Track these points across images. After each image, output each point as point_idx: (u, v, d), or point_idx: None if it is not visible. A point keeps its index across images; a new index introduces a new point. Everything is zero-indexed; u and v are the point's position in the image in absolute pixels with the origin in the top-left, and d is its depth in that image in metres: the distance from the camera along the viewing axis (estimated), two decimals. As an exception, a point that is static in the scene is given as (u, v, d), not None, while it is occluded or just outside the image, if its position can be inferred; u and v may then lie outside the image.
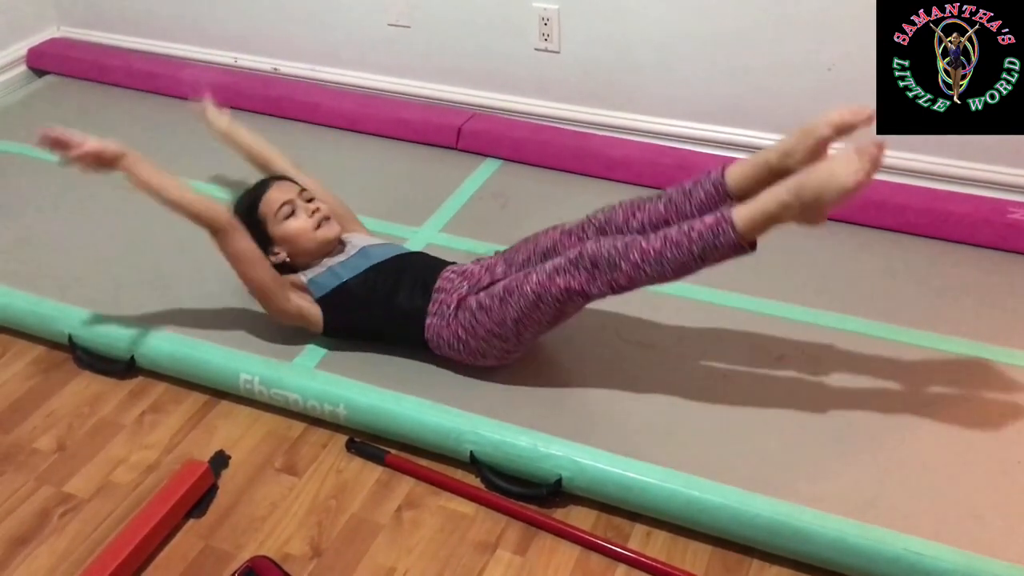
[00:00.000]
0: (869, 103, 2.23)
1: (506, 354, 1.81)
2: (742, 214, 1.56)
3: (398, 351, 1.91)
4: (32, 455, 1.85)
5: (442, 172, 2.56)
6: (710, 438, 1.72)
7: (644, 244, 1.62)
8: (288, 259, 1.94)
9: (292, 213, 1.92)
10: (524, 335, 1.76)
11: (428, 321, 1.82)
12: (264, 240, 1.90)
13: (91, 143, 1.74)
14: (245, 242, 1.82)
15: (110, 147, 1.75)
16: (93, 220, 2.41)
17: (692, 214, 1.69)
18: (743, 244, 1.57)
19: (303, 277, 1.92)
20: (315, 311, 1.90)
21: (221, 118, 2.21)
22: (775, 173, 1.63)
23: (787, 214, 1.55)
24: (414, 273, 1.88)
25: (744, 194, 1.65)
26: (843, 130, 1.59)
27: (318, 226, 1.93)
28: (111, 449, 1.85)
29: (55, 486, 1.78)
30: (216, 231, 1.80)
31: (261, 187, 1.97)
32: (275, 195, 1.94)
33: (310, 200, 1.97)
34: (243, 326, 2.00)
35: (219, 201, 1.84)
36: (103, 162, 1.75)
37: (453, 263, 1.93)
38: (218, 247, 1.82)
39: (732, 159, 2.23)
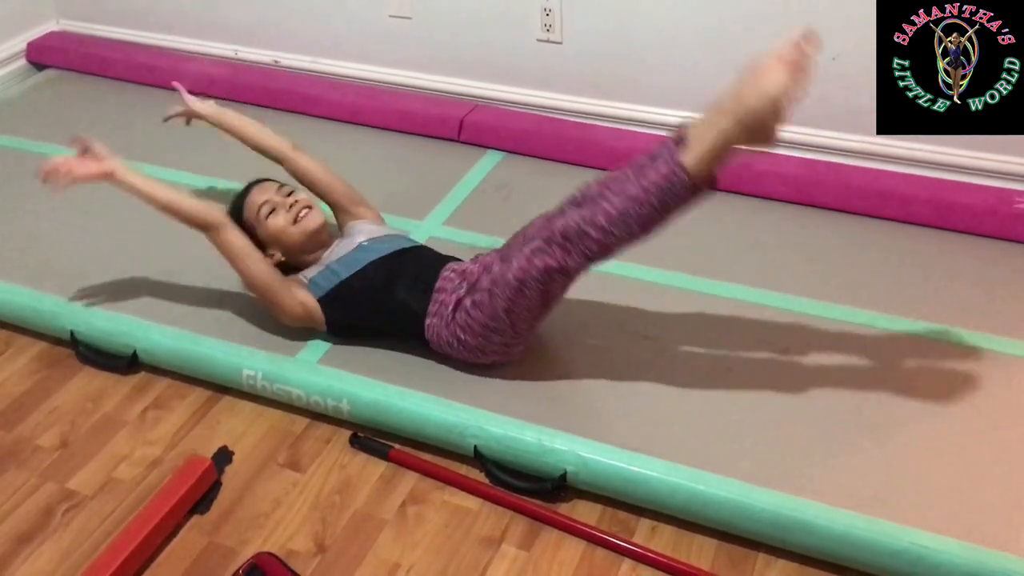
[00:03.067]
0: (872, 92, 2.23)
1: (505, 348, 1.80)
2: (690, 155, 1.53)
3: (402, 346, 1.91)
4: (35, 452, 1.85)
5: (444, 165, 2.54)
6: (715, 432, 1.71)
7: (607, 206, 1.60)
8: (284, 258, 1.94)
9: (272, 211, 1.93)
10: (518, 325, 1.75)
11: (428, 321, 1.81)
12: (259, 246, 1.92)
13: (78, 170, 1.82)
14: (239, 238, 1.84)
15: (93, 168, 1.82)
16: (94, 215, 2.40)
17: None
18: (700, 185, 1.55)
19: (303, 278, 1.92)
20: (318, 309, 1.89)
21: (203, 104, 2.21)
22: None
23: (733, 140, 1.52)
24: (414, 271, 1.87)
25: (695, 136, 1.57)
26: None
27: (296, 219, 1.93)
28: (114, 445, 1.85)
29: (58, 483, 1.78)
30: (208, 228, 1.82)
31: (242, 193, 2.00)
32: (254, 197, 1.97)
33: (289, 194, 1.97)
34: (246, 321, 1.99)
35: (211, 201, 1.87)
36: (91, 164, 1.82)
37: (453, 259, 1.91)
38: (214, 246, 1.84)
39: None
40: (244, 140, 2.18)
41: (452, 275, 1.83)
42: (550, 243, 1.64)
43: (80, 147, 1.84)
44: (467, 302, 1.76)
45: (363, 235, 1.97)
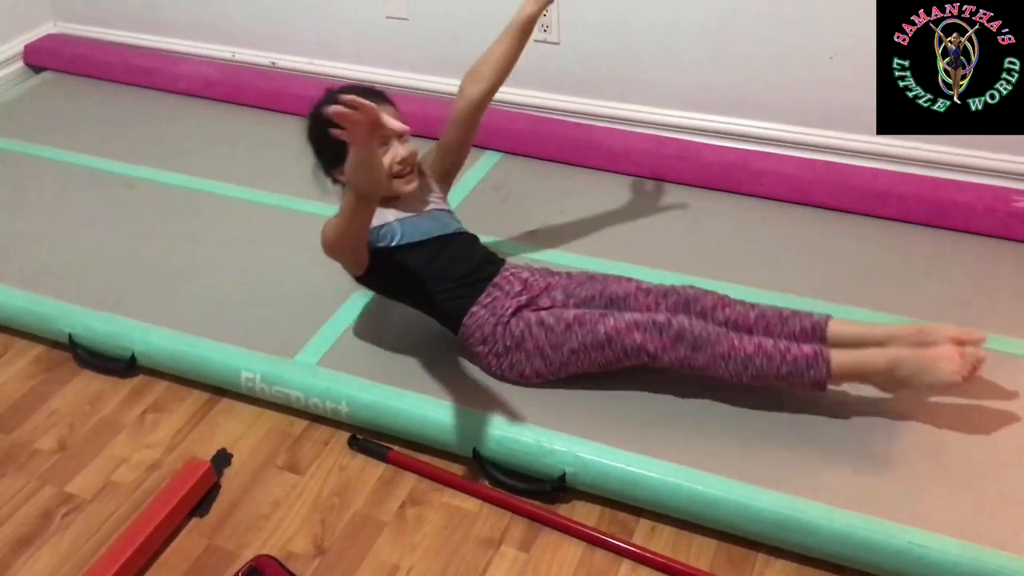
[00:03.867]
0: (870, 91, 2.23)
1: (535, 376, 1.79)
2: (839, 360, 1.64)
3: (401, 347, 1.90)
4: (33, 455, 1.84)
5: (442, 165, 2.54)
6: (714, 432, 1.71)
7: (737, 342, 1.65)
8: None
9: (381, 145, 1.74)
10: (569, 367, 1.76)
11: (475, 309, 1.79)
12: (342, 156, 1.60)
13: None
14: (331, 222, 1.69)
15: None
16: (92, 218, 2.40)
17: (780, 337, 1.70)
18: (827, 385, 1.65)
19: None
20: (365, 255, 1.75)
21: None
22: (873, 345, 1.68)
23: (876, 379, 1.65)
24: (475, 258, 1.85)
25: (837, 346, 1.68)
26: (957, 344, 1.63)
27: (393, 173, 1.78)
28: (113, 448, 1.85)
29: (57, 486, 1.78)
30: (373, 200, 1.62)
31: (369, 91, 1.77)
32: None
33: (403, 139, 1.79)
34: (244, 323, 1.99)
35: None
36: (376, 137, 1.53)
37: (506, 260, 1.89)
38: (358, 214, 1.61)
39: (752, 152, 2.23)
40: (503, 58, 1.99)
41: (512, 277, 1.82)
42: (661, 330, 1.68)
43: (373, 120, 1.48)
44: (531, 316, 1.76)
45: (435, 204, 1.90)
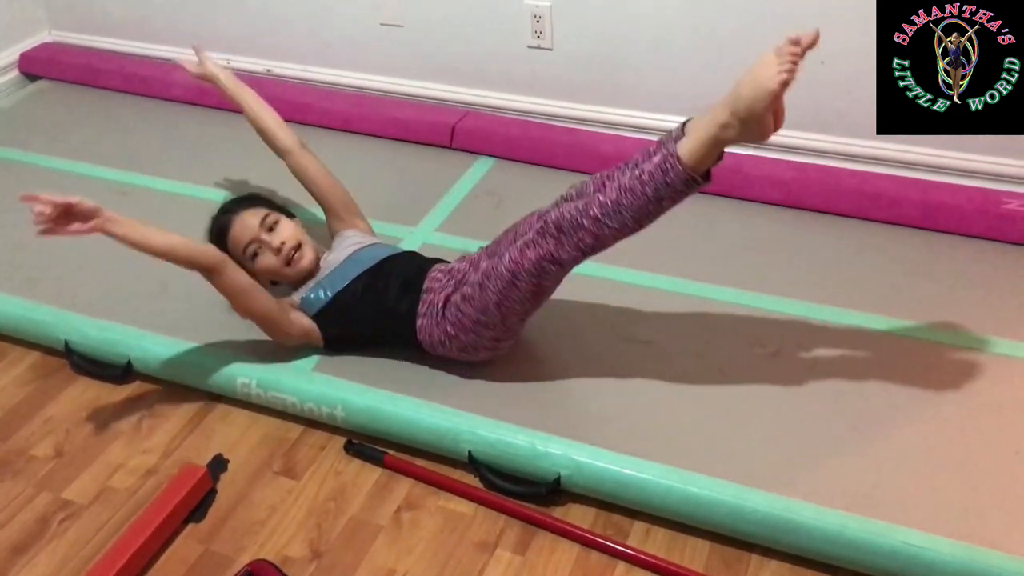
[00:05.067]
0: (862, 95, 2.24)
1: (496, 343, 1.80)
2: (686, 146, 1.55)
3: (396, 353, 1.91)
4: (30, 462, 1.85)
5: (436, 171, 2.55)
6: (707, 434, 1.72)
7: (601, 197, 1.60)
8: (273, 283, 1.94)
9: (258, 252, 1.91)
10: (509, 318, 1.75)
11: (419, 323, 1.82)
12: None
13: (71, 230, 1.66)
14: (240, 275, 1.79)
15: (84, 228, 1.66)
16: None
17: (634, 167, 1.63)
18: (694, 176, 1.56)
19: (296, 298, 1.91)
20: (315, 328, 1.89)
21: (221, 70, 2.16)
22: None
23: (728, 133, 1.53)
24: (402, 275, 1.87)
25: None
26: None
27: (288, 261, 1.91)
28: (109, 454, 1.85)
29: (53, 492, 1.78)
30: (209, 270, 1.75)
31: (224, 220, 1.94)
32: (236, 234, 1.91)
33: (272, 228, 1.91)
34: (239, 329, 1.99)
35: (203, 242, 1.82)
36: (79, 218, 1.67)
37: (440, 261, 1.92)
38: (215, 286, 1.78)
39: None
40: (255, 121, 2.13)
41: (439, 275, 1.84)
42: (543, 235, 1.65)
43: (63, 207, 1.66)
44: (456, 297, 1.77)
45: (351, 247, 1.96)
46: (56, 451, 1.87)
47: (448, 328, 1.79)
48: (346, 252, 1.95)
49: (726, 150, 1.57)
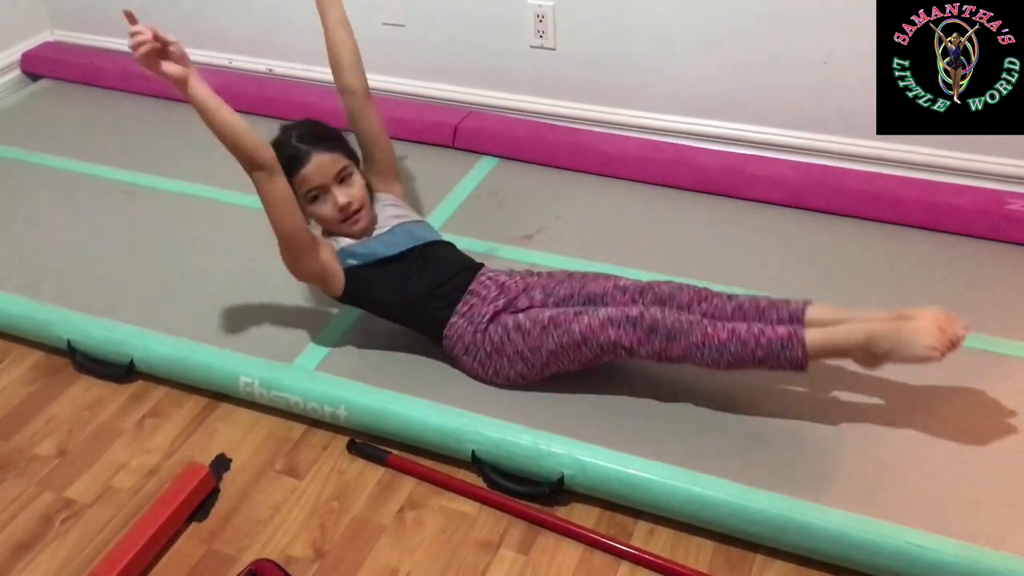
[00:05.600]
0: (864, 95, 2.24)
1: (520, 378, 1.80)
2: (814, 338, 1.61)
3: (399, 350, 1.91)
4: (33, 461, 1.85)
5: (439, 171, 2.55)
6: (711, 434, 1.72)
7: (710, 330, 1.64)
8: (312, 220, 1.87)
9: (317, 198, 1.83)
10: (550, 367, 1.77)
11: (453, 319, 1.80)
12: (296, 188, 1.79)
13: (165, 67, 1.70)
14: (285, 188, 1.72)
15: (174, 69, 1.70)
16: (90, 224, 2.41)
17: (755, 322, 1.69)
18: (804, 365, 1.62)
19: (335, 244, 1.85)
20: (339, 275, 1.82)
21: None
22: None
23: (854, 354, 1.62)
24: (452, 266, 1.86)
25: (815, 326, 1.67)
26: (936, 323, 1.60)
27: (345, 220, 1.84)
28: (112, 454, 1.85)
29: (56, 492, 1.78)
30: (261, 168, 1.68)
31: (302, 153, 1.81)
32: (311, 173, 1.81)
33: (344, 180, 1.83)
34: (242, 328, 2.00)
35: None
36: (173, 59, 1.71)
37: (483, 265, 1.91)
38: (258, 187, 1.70)
39: (737, 154, 2.23)
40: (332, 45, 2.08)
41: (489, 282, 1.83)
42: (634, 324, 1.67)
43: (161, 43, 1.71)
44: (508, 320, 1.76)
45: (396, 217, 1.92)
46: (59, 450, 1.87)
47: (486, 344, 1.78)
48: (393, 219, 1.90)
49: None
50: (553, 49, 2.56)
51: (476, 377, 1.84)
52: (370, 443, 1.83)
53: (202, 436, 1.88)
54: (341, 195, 1.83)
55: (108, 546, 1.66)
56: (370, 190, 1.94)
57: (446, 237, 2.25)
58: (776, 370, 1.65)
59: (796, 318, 1.68)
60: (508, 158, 2.59)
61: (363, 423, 1.82)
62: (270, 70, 2.98)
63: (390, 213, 1.93)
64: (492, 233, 2.19)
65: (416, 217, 1.98)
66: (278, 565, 1.60)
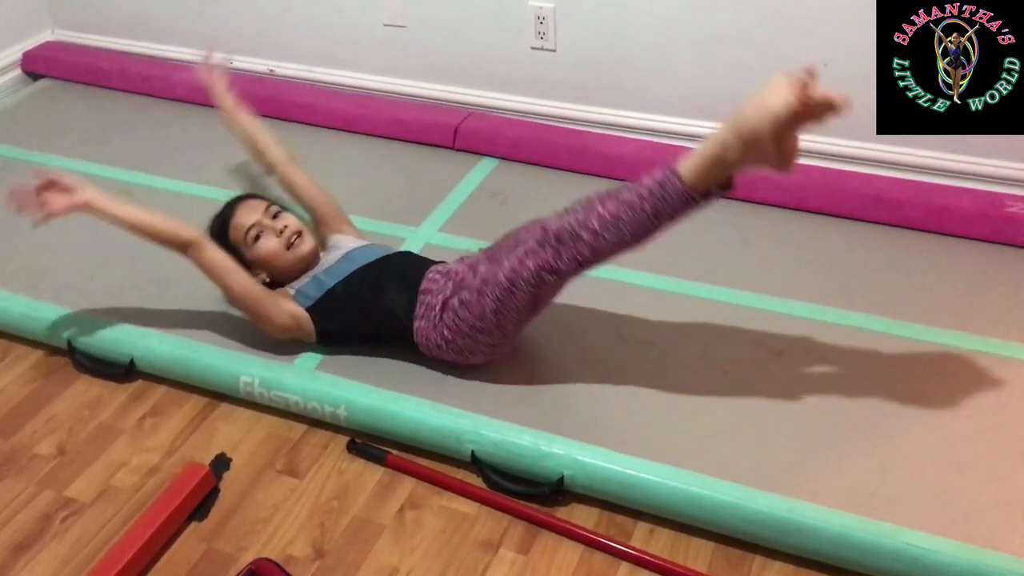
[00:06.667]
0: (863, 97, 2.23)
1: (492, 348, 1.80)
2: (686, 163, 1.56)
3: (396, 353, 1.91)
4: (33, 460, 1.85)
5: (439, 172, 2.55)
6: (711, 435, 1.72)
7: (600, 210, 1.61)
8: (269, 279, 1.94)
9: (260, 235, 1.92)
10: (506, 326, 1.76)
11: (416, 325, 1.82)
12: (244, 265, 1.91)
13: (52, 205, 1.78)
14: (218, 253, 1.83)
15: (66, 202, 1.79)
16: (90, 223, 2.39)
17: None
18: (691, 195, 1.56)
19: (290, 290, 1.92)
20: (307, 318, 1.89)
21: (226, 97, 2.22)
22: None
23: (729, 154, 1.52)
24: (399, 275, 1.87)
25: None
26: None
27: (289, 245, 1.92)
28: (112, 453, 1.85)
29: (56, 490, 1.78)
30: (187, 247, 1.81)
31: (227, 211, 1.97)
32: (240, 219, 1.93)
33: (276, 216, 1.95)
34: (243, 328, 1.99)
35: (185, 220, 1.85)
36: (65, 197, 1.80)
37: (438, 262, 1.92)
38: (195, 264, 1.83)
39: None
40: (245, 144, 2.18)
41: (437, 276, 1.84)
42: (543, 245, 1.65)
43: (43, 183, 1.80)
44: (454, 302, 1.77)
45: (347, 247, 1.97)
46: (59, 449, 1.87)
47: (445, 332, 1.79)
48: (342, 251, 1.96)
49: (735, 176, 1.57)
50: (554, 51, 2.57)
51: (465, 366, 1.85)
52: (370, 443, 1.83)
53: (202, 435, 1.88)
54: (278, 223, 1.93)
55: (108, 545, 1.66)
56: (323, 242, 2.06)
57: (445, 238, 2.27)
58: (681, 214, 1.59)
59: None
60: (508, 159, 2.59)
61: (363, 423, 1.82)
62: (271, 70, 2.98)
63: (342, 247, 1.98)
64: (492, 234, 2.18)
65: (366, 243, 2.02)
66: (278, 564, 1.60)
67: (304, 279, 1.92)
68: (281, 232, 1.92)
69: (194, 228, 1.83)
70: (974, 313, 1.98)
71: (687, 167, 1.56)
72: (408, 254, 1.99)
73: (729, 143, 1.52)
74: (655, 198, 1.57)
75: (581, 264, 1.66)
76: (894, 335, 1.92)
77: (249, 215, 1.94)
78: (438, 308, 1.79)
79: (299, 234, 1.94)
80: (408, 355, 1.90)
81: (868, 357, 1.87)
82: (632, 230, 1.60)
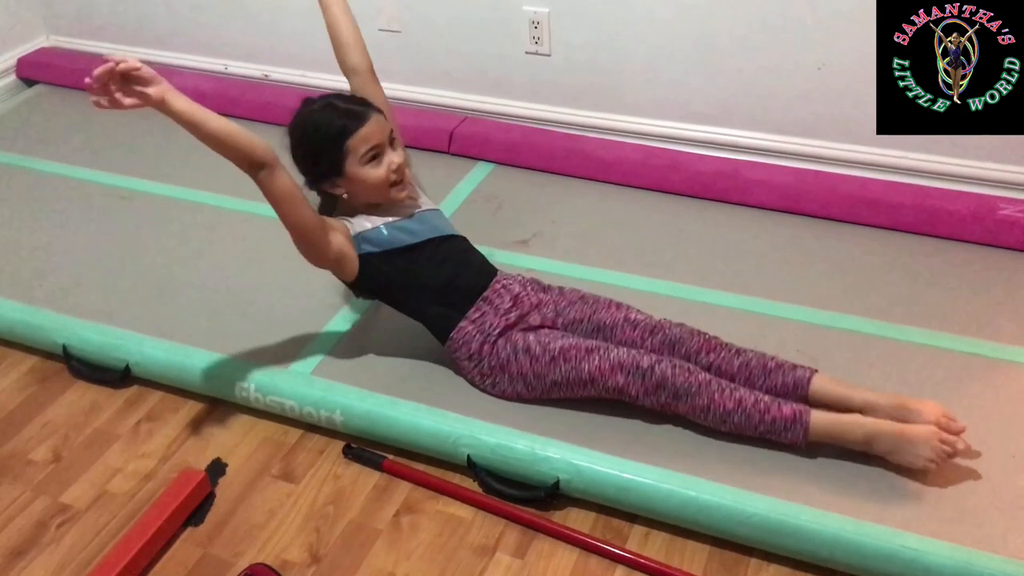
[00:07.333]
0: (858, 100, 2.25)
1: (517, 396, 1.80)
2: (817, 425, 1.63)
3: (394, 354, 1.91)
4: (28, 466, 1.84)
5: (434, 176, 2.55)
6: (707, 438, 1.72)
7: (717, 396, 1.66)
8: (345, 196, 1.81)
9: (374, 158, 1.75)
10: (551, 395, 1.78)
11: (463, 324, 1.80)
12: (333, 170, 1.75)
13: (126, 102, 1.58)
14: (288, 180, 1.65)
15: (140, 99, 1.58)
16: (86, 229, 2.41)
17: (762, 390, 1.70)
18: (803, 447, 1.65)
19: (349, 224, 1.79)
20: (354, 260, 1.77)
21: None
22: (852, 411, 1.66)
23: (852, 446, 1.64)
24: (466, 266, 1.84)
25: (817, 405, 1.67)
26: (937, 427, 1.60)
27: (392, 183, 1.78)
28: (107, 459, 1.85)
29: (51, 497, 1.78)
30: (262, 166, 1.62)
31: (357, 117, 1.75)
32: (370, 131, 1.74)
33: (394, 144, 1.79)
34: (239, 334, 1.99)
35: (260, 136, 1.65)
36: (138, 82, 1.57)
37: (498, 271, 1.89)
38: (261, 186, 1.64)
39: (744, 160, 2.22)
40: (332, 26, 1.98)
41: (504, 291, 1.83)
42: (643, 376, 1.69)
43: (123, 69, 1.55)
44: (519, 339, 1.77)
45: (420, 204, 1.87)
46: (54, 455, 1.86)
47: (492, 358, 1.78)
48: (419, 208, 1.87)
49: None
50: (548, 55, 2.57)
51: (472, 384, 1.84)
52: (366, 448, 1.83)
53: (198, 441, 1.88)
54: (395, 156, 1.78)
55: (103, 551, 1.66)
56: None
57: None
58: (776, 443, 1.67)
59: (801, 390, 1.69)
60: (503, 163, 2.59)
61: (359, 428, 1.82)
62: (266, 75, 2.99)
63: (419, 204, 1.90)
64: (488, 238, 2.19)
65: (433, 205, 1.94)
66: (274, 570, 1.60)
67: (373, 219, 1.81)
68: (398, 168, 1.77)
69: (269, 148, 1.64)
70: (967, 315, 1.98)
71: (816, 430, 1.63)
72: (470, 245, 1.91)
73: (859, 443, 1.62)
74: (774, 430, 1.65)
75: (661, 410, 1.72)
76: (887, 337, 1.92)
77: (378, 133, 1.75)
78: (496, 329, 1.78)
79: (403, 180, 1.80)
80: (407, 355, 1.90)
81: (863, 359, 1.87)
82: (731, 429, 1.68)
